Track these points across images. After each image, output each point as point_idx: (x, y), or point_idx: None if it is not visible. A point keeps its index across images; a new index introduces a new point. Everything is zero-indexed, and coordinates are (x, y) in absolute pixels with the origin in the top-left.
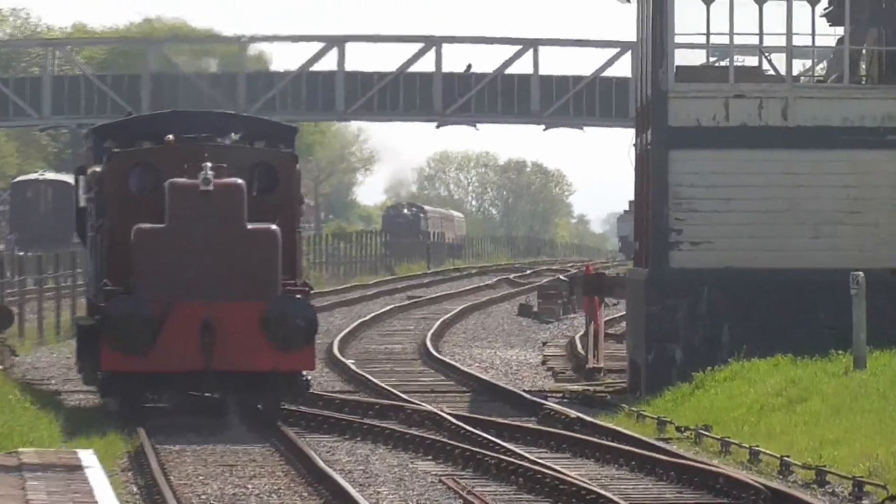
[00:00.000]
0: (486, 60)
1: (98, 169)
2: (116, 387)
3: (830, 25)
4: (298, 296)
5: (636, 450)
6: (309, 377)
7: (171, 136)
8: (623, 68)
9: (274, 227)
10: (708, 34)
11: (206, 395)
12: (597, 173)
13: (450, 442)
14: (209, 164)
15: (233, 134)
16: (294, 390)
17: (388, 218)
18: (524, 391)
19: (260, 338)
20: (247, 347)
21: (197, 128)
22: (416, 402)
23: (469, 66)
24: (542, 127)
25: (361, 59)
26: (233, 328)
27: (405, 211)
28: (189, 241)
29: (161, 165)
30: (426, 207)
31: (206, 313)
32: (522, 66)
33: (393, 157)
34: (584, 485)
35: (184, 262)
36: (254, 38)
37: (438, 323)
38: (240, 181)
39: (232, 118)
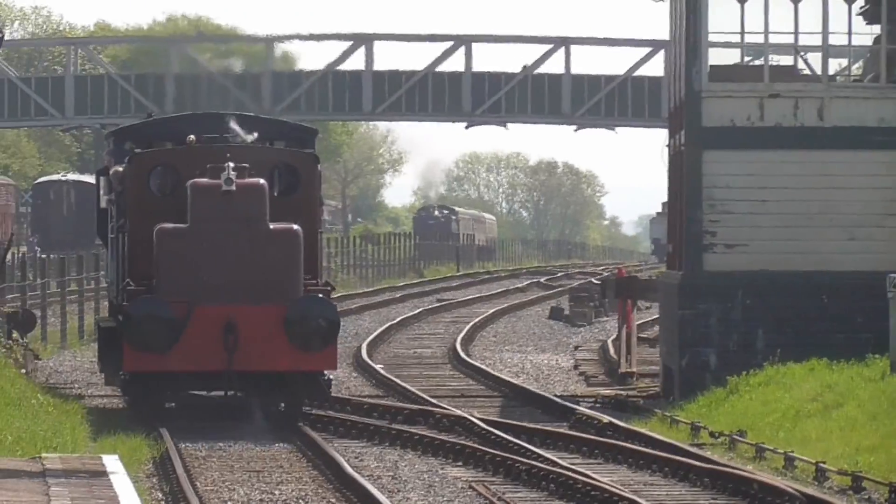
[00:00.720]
0: (516, 59)
1: (119, 169)
2: (139, 386)
3: (867, 24)
4: (320, 295)
5: (669, 455)
6: (331, 377)
7: (192, 137)
8: (656, 67)
9: (296, 226)
10: (742, 33)
11: (228, 394)
12: (629, 174)
13: (480, 447)
14: (231, 164)
15: (253, 134)
16: (315, 390)
17: (420, 220)
18: (555, 396)
19: (282, 338)
20: (268, 347)
21: (217, 129)
22: (446, 406)
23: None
24: (574, 127)
25: (389, 58)
26: (255, 328)
27: (436, 213)
28: (211, 240)
29: (182, 166)
30: (458, 209)
31: (229, 313)
32: (553, 66)
33: (422, 158)
34: (617, 491)
35: (206, 262)
36: (279, 37)
37: (468, 326)
38: (262, 181)
39: (252, 119)
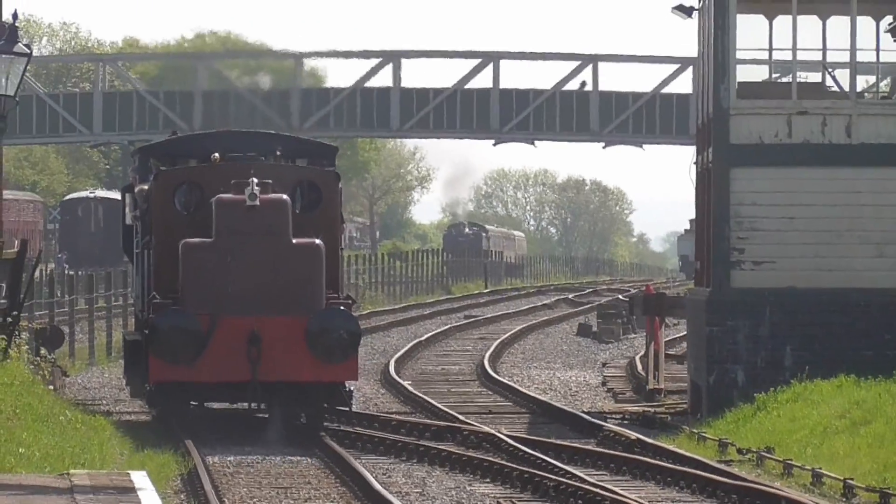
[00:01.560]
0: (544, 77)
1: (145, 187)
2: (164, 397)
3: (895, 41)
4: (342, 308)
5: (697, 472)
6: (352, 388)
7: (216, 155)
8: (684, 85)
9: (318, 241)
10: (770, 50)
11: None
12: (657, 191)
13: (508, 464)
14: (255, 180)
15: (276, 152)
16: (337, 400)
17: (450, 237)
18: (583, 412)
19: (304, 349)
20: (291, 359)
21: (240, 146)
22: (474, 423)
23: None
24: (602, 144)
25: (417, 75)
26: (278, 340)
27: (467, 230)
28: (236, 254)
29: (206, 183)
30: (488, 227)
31: (253, 325)
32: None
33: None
34: None
35: (230, 275)
36: (308, 54)
37: (496, 343)
38: (285, 197)
39: (275, 137)
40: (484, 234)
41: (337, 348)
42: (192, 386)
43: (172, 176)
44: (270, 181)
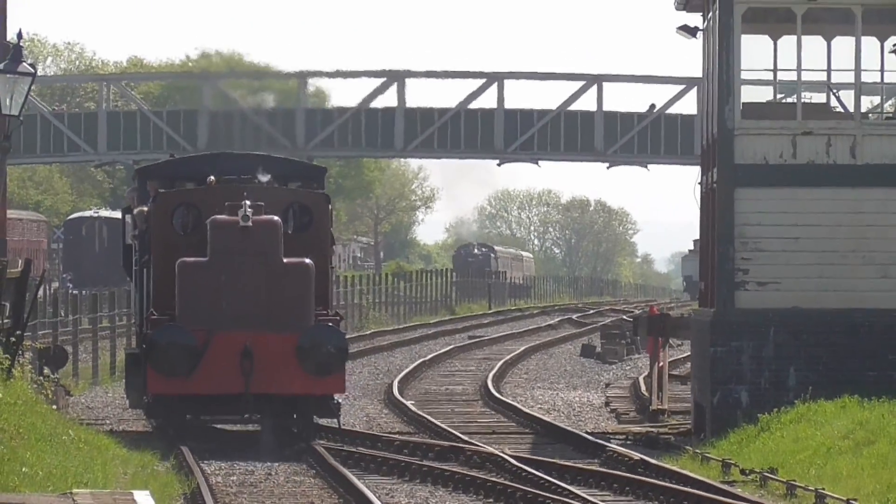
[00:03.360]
0: (548, 97)
1: (144, 208)
2: (162, 409)
3: None
4: (330, 324)
5: (700, 492)
6: (340, 400)
7: (212, 178)
8: (689, 105)
9: (308, 260)
10: (775, 70)
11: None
12: (661, 212)
13: (511, 484)
14: (248, 203)
15: (268, 175)
16: (326, 412)
17: (459, 257)
18: (587, 433)
19: (294, 364)
20: (282, 372)
21: (234, 169)
22: (477, 443)
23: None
24: (606, 165)
25: (421, 95)
26: (270, 354)
27: (476, 251)
28: (229, 273)
29: (202, 205)
30: (497, 248)
31: (246, 340)
32: (586, 103)
33: (453, 198)
34: None
35: (225, 293)
36: (312, 73)
37: (500, 363)
38: (276, 218)
39: (267, 160)
40: (493, 255)
41: (325, 363)
42: (188, 398)
43: (170, 198)
44: (263, 203)
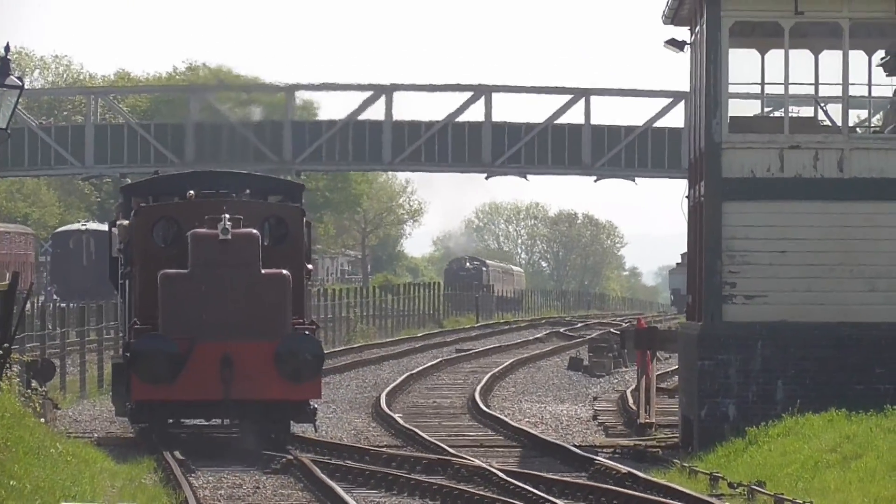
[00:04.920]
0: (536, 110)
1: (126, 223)
2: (145, 414)
3: (887, 76)
4: (307, 333)
5: None
6: (316, 406)
7: (191, 192)
8: (676, 118)
9: (285, 272)
10: (763, 84)
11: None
12: (649, 225)
13: (499, 497)
14: (227, 216)
15: (246, 190)
16: (303, 417)
17: (451, 271)
18: (574, 446)
19: (272, 371)
20: (261, 379)
21: (215, 185)
22: (465, 456)
23: None
24: (594, 178)
25: (409, 108)
26: (249, 362)
27: (467, 264)
28: (209, 284)
29: (183, 218)
30: (488, 262)
31: (225, 349)
32: (573, 117)
33: (441, 209)
34: None
35: (205, 303)
36: (300, 86)
37: (487, 377)
38: (254, 231)
39: (245, 177)
40: (484, 269)
41: (303, 369)
42: (170, 404)
43: (151, 211)
44: (241, 217)
